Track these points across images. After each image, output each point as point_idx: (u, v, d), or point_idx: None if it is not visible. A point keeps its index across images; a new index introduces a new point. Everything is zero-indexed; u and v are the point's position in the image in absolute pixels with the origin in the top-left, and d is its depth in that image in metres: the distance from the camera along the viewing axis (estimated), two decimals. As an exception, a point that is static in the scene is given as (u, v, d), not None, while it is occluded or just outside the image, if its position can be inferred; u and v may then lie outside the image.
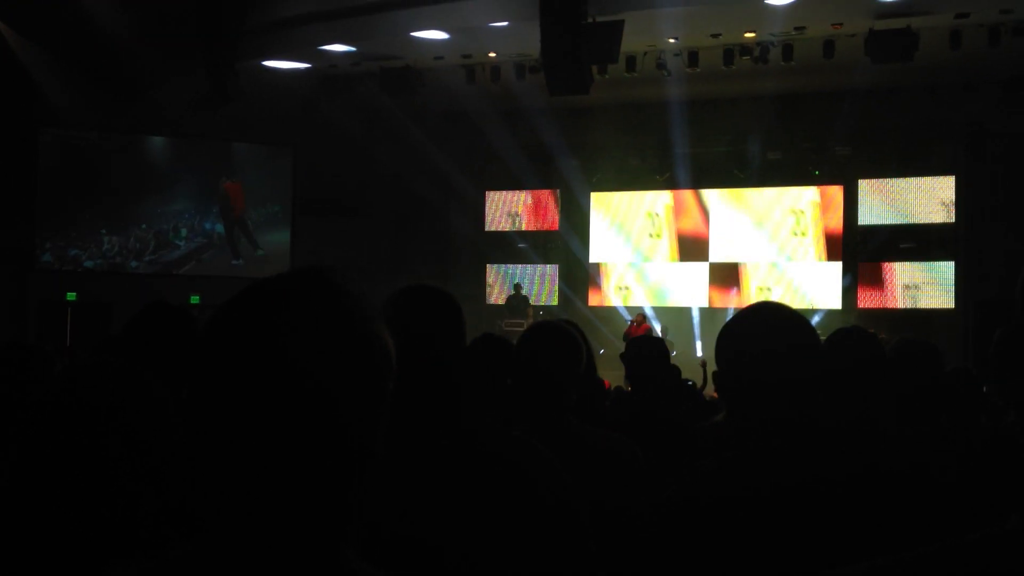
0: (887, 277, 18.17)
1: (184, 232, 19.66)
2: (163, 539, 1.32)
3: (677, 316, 19.11)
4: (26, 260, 19.15)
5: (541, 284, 20.62)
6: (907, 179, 18.00)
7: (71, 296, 19.18)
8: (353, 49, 15.17)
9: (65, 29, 14.74)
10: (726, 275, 19.37)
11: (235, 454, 1.10)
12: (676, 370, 7.06)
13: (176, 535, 1.27)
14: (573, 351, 2.93)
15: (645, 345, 4.79)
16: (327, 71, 16.68)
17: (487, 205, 21.20)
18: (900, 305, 17.82)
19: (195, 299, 18.93)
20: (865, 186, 18.40)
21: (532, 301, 19.68)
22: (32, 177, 19.16)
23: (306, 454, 1.09)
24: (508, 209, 21.14)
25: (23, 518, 1.69)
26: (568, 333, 2.97)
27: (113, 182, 19.03)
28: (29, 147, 19.07)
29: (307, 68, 16.31)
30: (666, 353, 4.75)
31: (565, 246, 20.65)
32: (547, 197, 20.77)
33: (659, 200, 19.98)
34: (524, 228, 20.96)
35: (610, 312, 19.69)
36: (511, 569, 1.98)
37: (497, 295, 20.85)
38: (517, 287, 19.58)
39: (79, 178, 19.17)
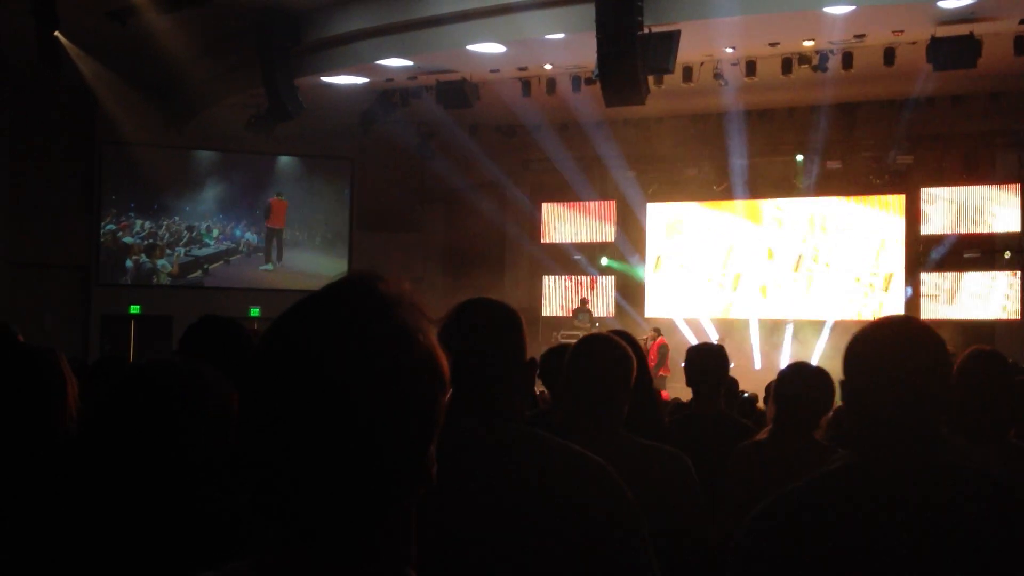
0: (950, 287, 17.83)
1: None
2: (222, 552, 1.32)
3: (735, 328, 18.94)
4: (90, 275, 19.55)
5: (598, 296, 20.56)
6: (970, 188, 17.68)
7: (134, 309, 19.54)
8: (410, 63, 15.27)
9: (127, 49, 15.04)
10: (785, 287, 19.16)
11: (289, 473, 1.09)
12: (733, 383, 6.99)
13: (234, 549, 1.28)
14: (623, 363, 2.91)
15: (706, 351, 4.77)
16: (384, 85, 16.81)
17: (543, 217, 21.19)
18: (963, 316, 17.48)
19: (255, 312, 19.18)
20: (927, 195, 18.11)
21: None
22: (97, 193, 19.58)
23: (359, 472, 1.08)
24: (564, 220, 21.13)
25: (85, 524, 1.71)
26: (618, 344, 2.94)
27: (161, 189, 19.99)
28: (93, 164, 19.49)
29: (364, 83, 16.45)
30: (726, 360, 4.71)
31: (621, 257, 20.58)
32: (603, 208, 20.71)
33: (716, 211, 19.83)
34: (580, 240, 20.93)
35: (667, 324, 19.57)
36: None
37: (553, 308, 20.87)
38: (583, 301, 19.63)
39: (137, 191, 19.79)
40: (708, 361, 4.62)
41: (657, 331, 18.15)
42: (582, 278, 20.80)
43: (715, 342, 17.80)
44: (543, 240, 21.16)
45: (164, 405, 1.75)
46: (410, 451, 1.11)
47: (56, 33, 13.95)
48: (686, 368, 4.64)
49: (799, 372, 4.05)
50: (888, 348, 1.98)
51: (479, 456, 2.05)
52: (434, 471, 1.15)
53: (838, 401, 4.61)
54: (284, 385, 1.09)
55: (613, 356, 2.90)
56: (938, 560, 1.81)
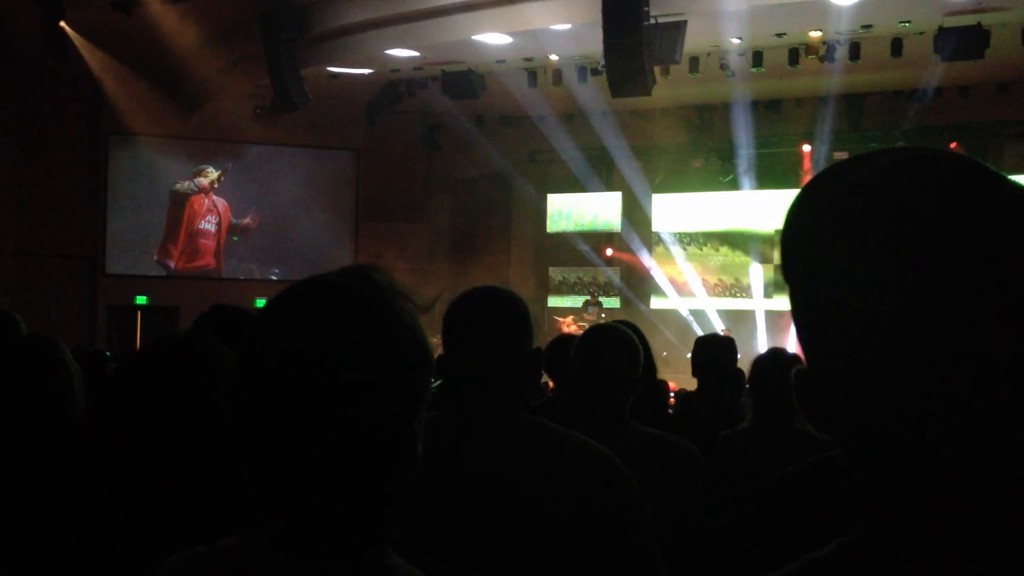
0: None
1: None
2: (210, 529, 1.35)
3: (741, 319, 18.92)
4: (96, 265, 19.59)
5: (603, 286, 20.55)
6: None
7: (141, 300, 19.59)
8: (416, 54, 15.25)
9: (133, 39, 15.04)
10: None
11: (279, 451, 1.13)
12: (740, 374, 6.97)
13: (221, 526, 1.31)
14: (630, 353, 2.91)
15: (713, 343, 4.75)
16: (389, 76, 16.80)
17: (548, 208, 21.17)
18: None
19: (261, 303, 19.21)
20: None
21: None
22: (103, 184, 19.60)
23: (348, 452, 1.12)
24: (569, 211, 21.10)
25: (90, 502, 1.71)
26: (624, 335, 2.94)
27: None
28: (99, 155, 19.51)
29: (370, 74, 16.43)
30: (734, 353, 4.69)
31: (627, 248, 20.56)
32: (609, 199, 20.68)
33: (722, 201, 19.79)
34: (586, 230, 20.91)
35: (673, 315, 19.56)
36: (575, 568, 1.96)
37: (559, 298, 20.88)
38: (592, 294, 19.64)
39: (144, 184, 19.78)
40: (715, 353, 4.60)
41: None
42: (588, 269, 20.80)
43: (721, 332, 17.84)
44: (549, 231, 21.14)
45: (176, 376, 1.76)
46: (393, 428, 1.14)
47: (62, 23, 13.96)
48: (693, 359, 4.62)
49: (775, 358, 3.93)
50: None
51: (484, 445, 2.05)
52: (419, 451, 1.17)
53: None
54: (270, 363, 1.13)
55: (620, 346, 2.90)
56: None
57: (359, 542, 1.15)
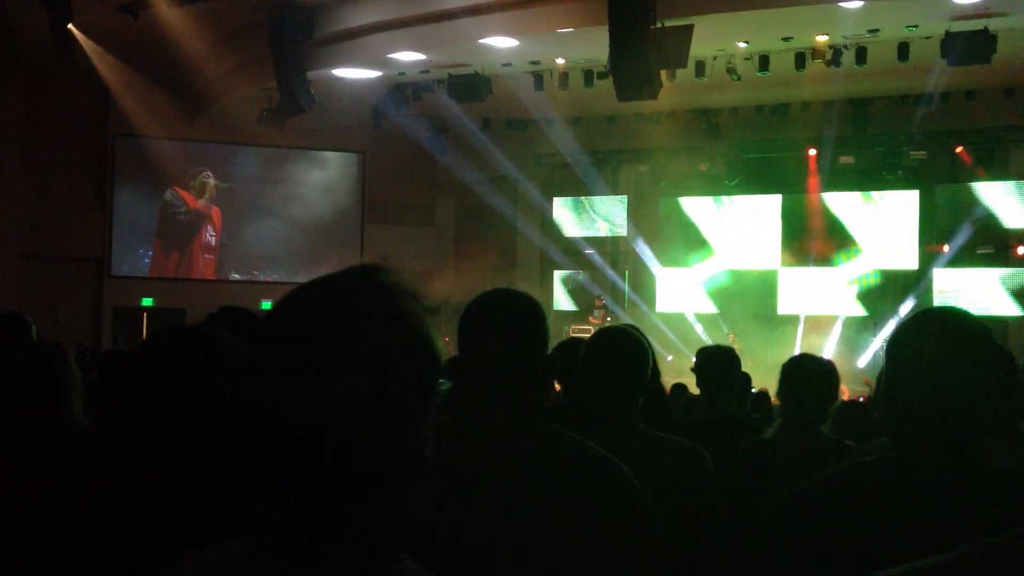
0: (964, 283, 17.74)
1: None
2: (217, 532, 1.33)
3: (745, 323, 18.89)
4: (102, 267, 19.63)
5: (609, 290, 20.52)
6: (984, 183, 17.58)
7: (147, 301, 19.63)
8: (422, 57, 15.26)
9: (140, 42, 15.07)
10: (798, 282, 19.10)
11: (283, 456, 1.10)
12: (747, 377, 6.96)
13: (227, 528, 1.29)
14: (640, 356, 2.90)
15: (716, 353, 4.74)
16: (396, 79, 16.82)
17: (554, 211, 21.16)
18: (977, 313, 17.30)
19: (267, 305, 19.23)
20: (942, 191, 18.01)
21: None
22: (110, 186, 19.64)
23: (352, 457, 1.10)
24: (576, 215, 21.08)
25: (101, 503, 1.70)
26: (633, 338, 2.94)
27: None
28: (106, 157, 19.55)
29: (376, 77, 16.45)
30: (736, 362, 4.67)
31: (633, 252, 20.54)
32: (615, 203, 20.67)
33: (728, 206, 19.77)
34: (591, 234, 20.89)
35: (679, 319, 19.53)
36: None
37: (564, 303, 20.85)
38: (599, 298, 19.61)
39: (150, 187, 19.80)
40: (718, 363, 4.58)
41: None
42: (593, 272, 20.77)
43: (726, 335, 17.70)
44: (554, 234, 21.12)
45: (182, 368, 1.74)
46: (399, 431, 1.12)
47: (69, 26, 14.00)
48: (696, 370, 4.60)
49: (802, 365, 3.86)
50: (931, 340, 1.89)
51: (494, 448, 2.05)
52: (429, 454, 1.15)
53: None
54: (274, 367, 1.11)
55: (631, 349, 2.90)
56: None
57: (367, 548, 1.13)
